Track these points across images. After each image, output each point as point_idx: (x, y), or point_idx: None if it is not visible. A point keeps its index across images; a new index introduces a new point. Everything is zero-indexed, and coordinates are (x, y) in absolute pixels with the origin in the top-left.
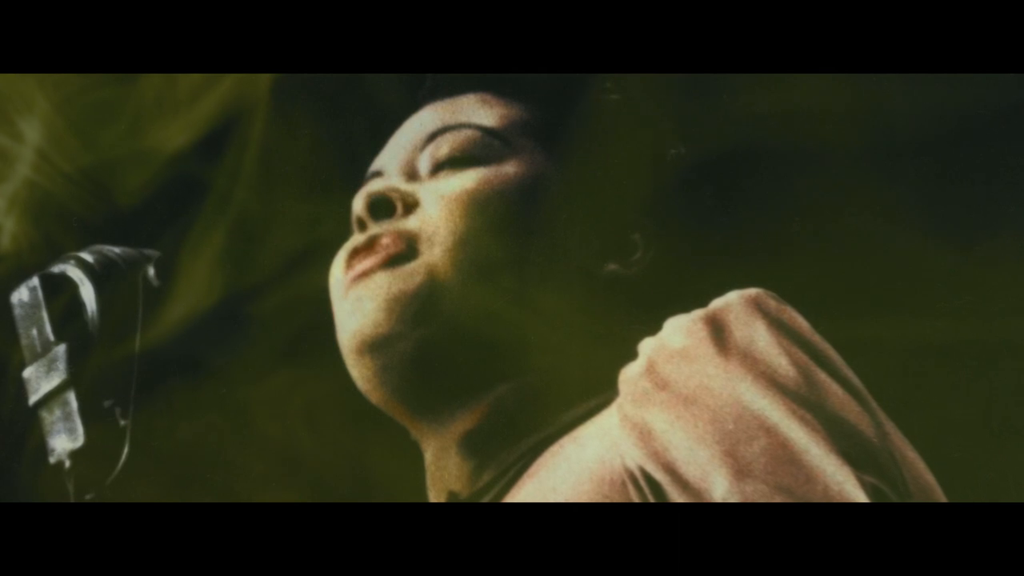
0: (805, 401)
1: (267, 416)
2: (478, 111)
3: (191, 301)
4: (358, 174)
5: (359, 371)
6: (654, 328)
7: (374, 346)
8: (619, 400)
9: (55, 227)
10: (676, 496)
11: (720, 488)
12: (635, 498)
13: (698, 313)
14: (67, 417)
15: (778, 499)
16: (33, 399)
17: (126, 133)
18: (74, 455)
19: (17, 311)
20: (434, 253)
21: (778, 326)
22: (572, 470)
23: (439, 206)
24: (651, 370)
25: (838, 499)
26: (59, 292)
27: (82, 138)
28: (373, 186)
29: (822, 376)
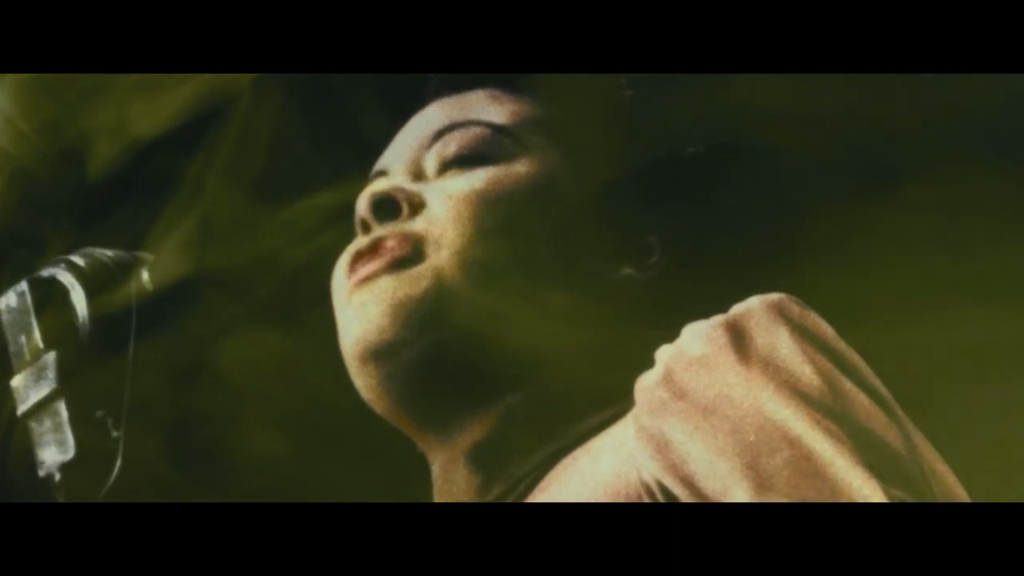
0: (830, 411)
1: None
2: (487, 108)
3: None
4: (339, 169)
5: (363, 379)
6: (672, 335)
7: (378, 353)
8: (635, 410)
9: (27, 193)
10: None
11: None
12: None
13: (718, 319)
14: (57, 428)
15: None
16: (22, 409)
17: (102, 106)
18: (65, 468)
19: (4, 317)
20: (441, 256)
21: (802, 333)
22: (586, 484)
23: (446, 207)
24: (669, 379)
25: None
26: (48, 297)
27: (55, 106)
28: (377, 186)
29: (848, 385)
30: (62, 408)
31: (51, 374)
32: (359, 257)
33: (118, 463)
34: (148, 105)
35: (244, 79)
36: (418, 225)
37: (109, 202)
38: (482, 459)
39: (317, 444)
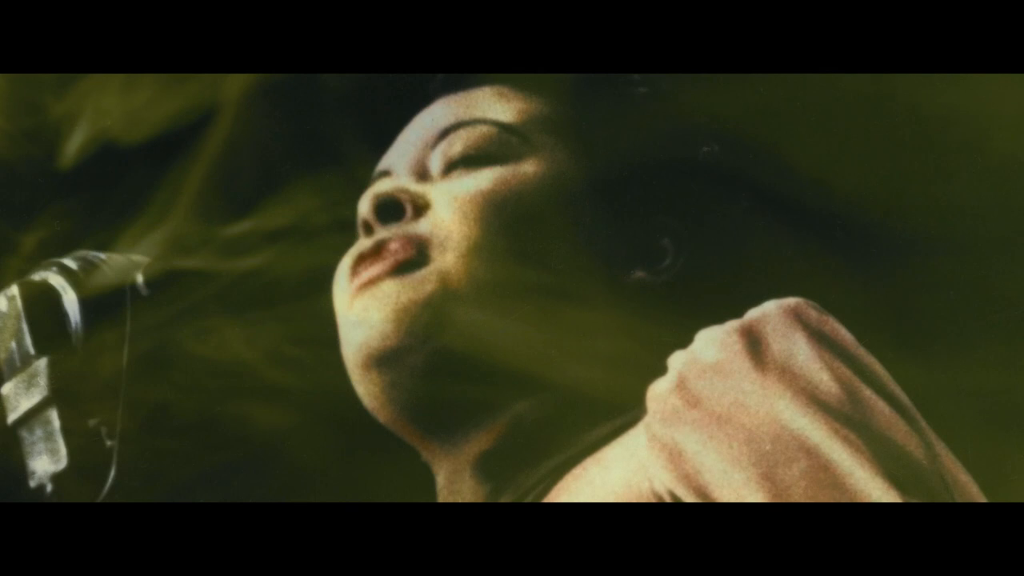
0: (849, 420)
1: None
2: (494, 105)
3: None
4: (321, 170)
5: (365, 387)
6: (685, 341)
7: (382, 360)
8: (647, 418)
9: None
10: None
11: None
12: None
13: (733, 324)
14: (49, 437)
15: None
16: (12, 417)
17: (82, 105)
18: (56, 478)
19: None
20: (446, 259)
21: (819, 338)
22: (596, 494)
23: (452, 208)
24: (682, 386)
25: None
26: (40, 301)
27: (36, 104)
28: (380, 187)
29: (867, 392)
30: (54, 416)
31: (42, 381)
32: (361, 260)
33: (112, 473)
34: (128, 107)
35: (226, 84)
36: (422, 227)
37: (91, 200)
38: (489, 469)
39: (318, 444)
